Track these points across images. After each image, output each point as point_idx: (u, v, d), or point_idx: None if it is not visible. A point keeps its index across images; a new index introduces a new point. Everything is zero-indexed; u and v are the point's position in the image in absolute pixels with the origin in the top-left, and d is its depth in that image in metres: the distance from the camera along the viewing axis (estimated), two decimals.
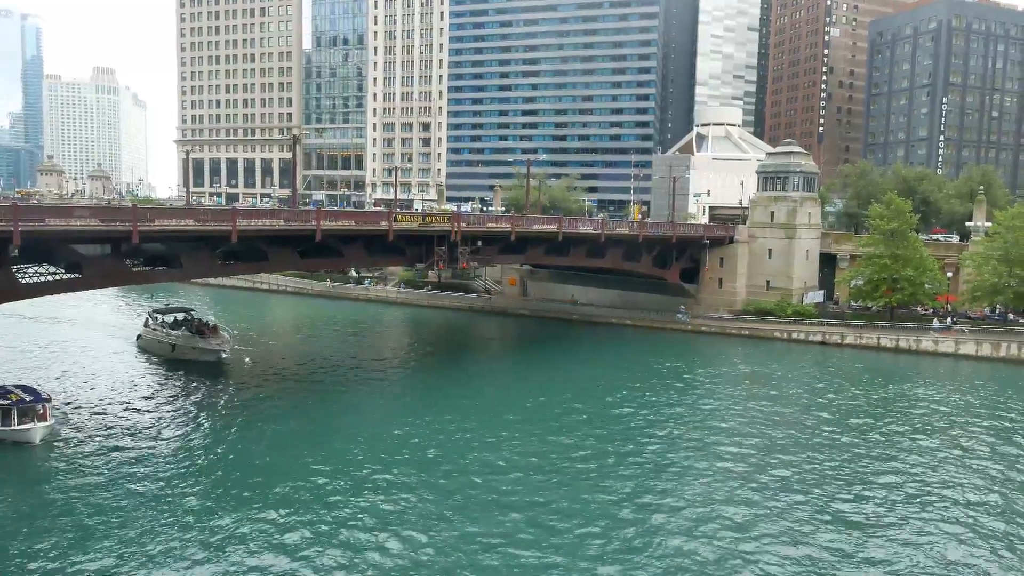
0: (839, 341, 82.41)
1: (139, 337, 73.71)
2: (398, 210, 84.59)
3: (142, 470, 39.98)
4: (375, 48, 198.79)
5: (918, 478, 42.62)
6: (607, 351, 78.80)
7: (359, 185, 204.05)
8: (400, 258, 72.53)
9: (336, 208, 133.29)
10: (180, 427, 48.41)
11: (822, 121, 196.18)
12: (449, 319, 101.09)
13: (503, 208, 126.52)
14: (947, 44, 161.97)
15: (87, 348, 72.46)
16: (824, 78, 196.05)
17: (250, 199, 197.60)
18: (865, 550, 33.49)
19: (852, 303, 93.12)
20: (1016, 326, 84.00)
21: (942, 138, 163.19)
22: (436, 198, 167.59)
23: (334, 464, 41.83)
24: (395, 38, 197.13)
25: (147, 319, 73.72)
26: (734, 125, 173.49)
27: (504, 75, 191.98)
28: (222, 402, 54.97)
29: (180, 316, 72.07)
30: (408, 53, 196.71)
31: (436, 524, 34.76)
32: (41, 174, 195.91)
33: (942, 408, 58.18)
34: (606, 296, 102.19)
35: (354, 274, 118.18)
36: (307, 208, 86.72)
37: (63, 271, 51.01)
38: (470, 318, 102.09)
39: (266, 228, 56.98)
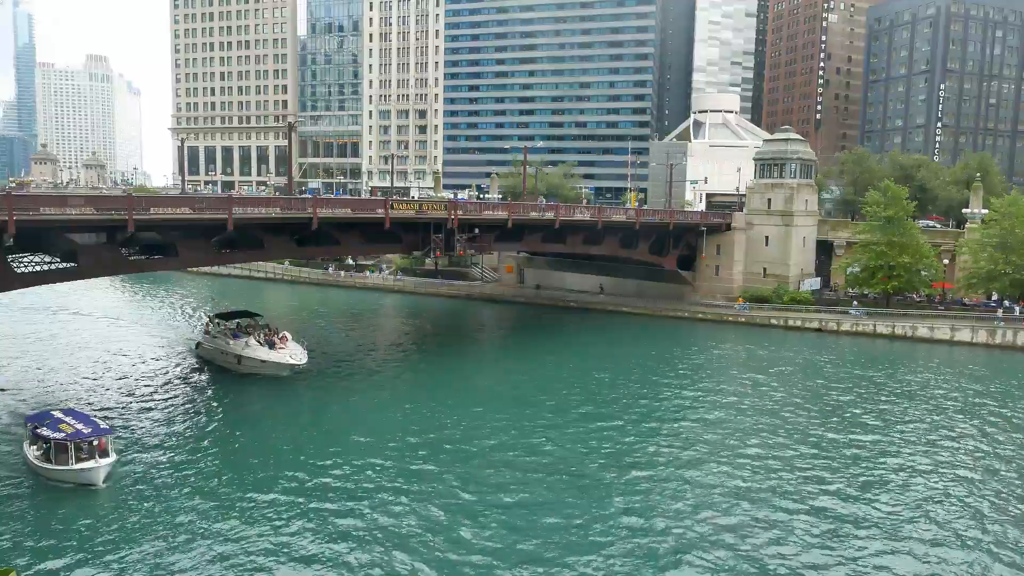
0: (836, 328, 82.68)
1: (199, 345, 66.50)
2: (395, 198, 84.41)
3: (233, 523, 33.12)
4: (371, 35, 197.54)
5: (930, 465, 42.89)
6: (603, 338, 78.78)
7: (355, 173, 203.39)
8: (397, 246, 72.57)
9: (333, 196, 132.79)
10: (254, 453, 42.28)
11: (819, 108, 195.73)
12: (446, 306, 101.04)
13: (500, 195, 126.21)
14: (945, 30, 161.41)
15: (141, 358, 65.03)
16: (822, 65, 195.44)
17: (246, 187, 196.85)
18: (868, 539, 33.76)
19: (849, 290, 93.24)
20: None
21: (939, 125, 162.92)
22: (433, 185, 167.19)
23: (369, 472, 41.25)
24: (391, 24, 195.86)
25: (207, 325, 66.67)
26: (731, 112, 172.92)
27: (501, 62, 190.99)
28: (291, 417, 49.63)
29: (244, 322, 64.26)
30: (404, 40, 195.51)
31: (438, 519, 34.91)
32: (35, 163, 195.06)
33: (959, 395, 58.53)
34: (602, 283, 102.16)
35: (351, 262, 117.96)
36: (304, 196, 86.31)
37: (59, 260, 50.80)
38: (467, 305, 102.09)
39: (263, 216, 56.77)
